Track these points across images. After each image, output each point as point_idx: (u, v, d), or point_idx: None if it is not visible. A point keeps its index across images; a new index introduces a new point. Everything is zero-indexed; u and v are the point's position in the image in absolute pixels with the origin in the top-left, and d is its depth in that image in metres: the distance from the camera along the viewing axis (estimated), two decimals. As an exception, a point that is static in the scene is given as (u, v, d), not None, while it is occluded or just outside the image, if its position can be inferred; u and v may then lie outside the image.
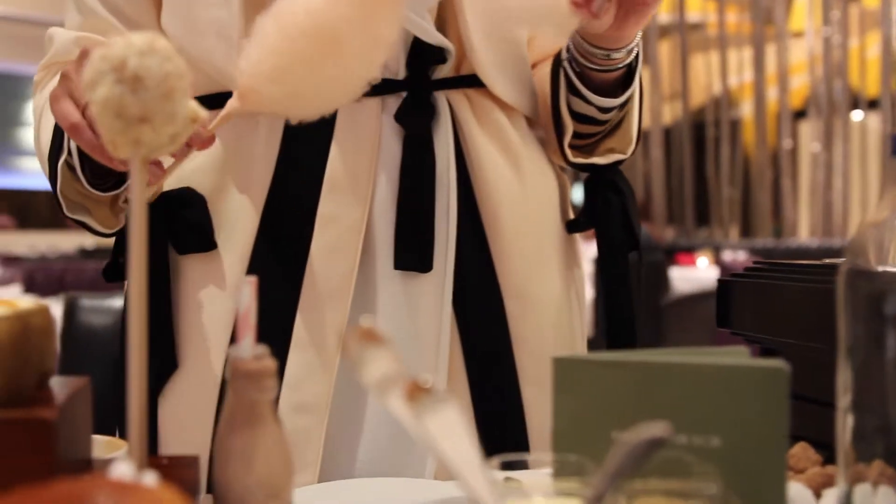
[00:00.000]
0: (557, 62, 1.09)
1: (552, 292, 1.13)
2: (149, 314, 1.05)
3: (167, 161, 0.93)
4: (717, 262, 6.82)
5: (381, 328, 1.02)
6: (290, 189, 1.04)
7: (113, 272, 1.12)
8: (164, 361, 1.05)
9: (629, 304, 1.16)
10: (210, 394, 1.03)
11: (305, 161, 1.04)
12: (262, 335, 1.01)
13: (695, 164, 9.39)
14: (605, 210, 1.16)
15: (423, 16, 1.03)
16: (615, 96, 1.09)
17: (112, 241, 1.13)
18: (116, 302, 1.84)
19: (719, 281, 1.11)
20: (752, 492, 0.62)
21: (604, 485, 0.48)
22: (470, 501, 0.48)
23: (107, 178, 1.00)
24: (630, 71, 1.09)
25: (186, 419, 1.07)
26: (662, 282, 6.25)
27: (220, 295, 1.04)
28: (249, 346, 0.61)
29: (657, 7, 1.00)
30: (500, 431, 1.07)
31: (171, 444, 1.08)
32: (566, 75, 1.08)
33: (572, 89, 1.09)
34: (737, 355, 0.68)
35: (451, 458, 0.47)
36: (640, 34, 1.05)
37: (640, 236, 1.16)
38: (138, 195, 0.60)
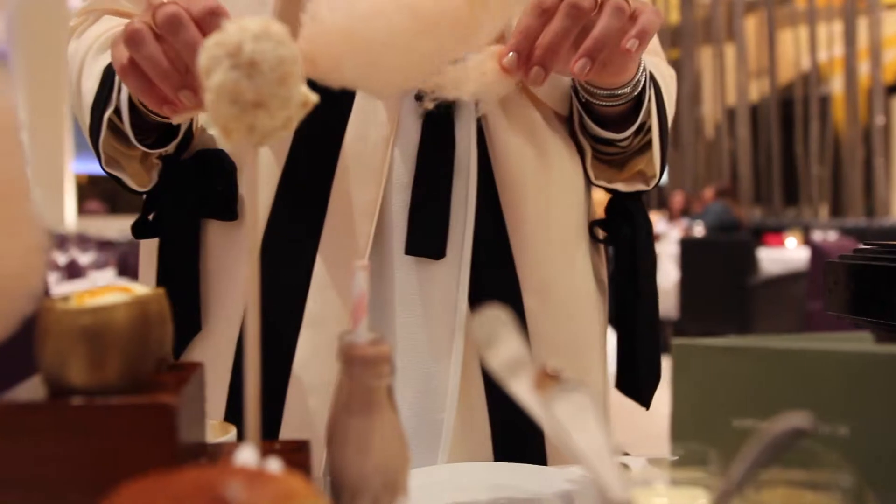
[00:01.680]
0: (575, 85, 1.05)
1: (574, 287, 1.09)
2: (176, 276, 1.06)
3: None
4: (807, 242, 6.68)
5: (400, 315, 1.02)
6: (306, 164, 1.01)
7: (142, 229, 1.09)
8: (187, 323, 1.03)
9: (631, 337, 1.12)
10: (227, 358, 1.02)
11: (323, 135, 1.01)
12: (274, 312, 1.01)
13: (783, 142, 9.20)
14: (616, 235, 1.13)
15: None
16: (627, 125, 1.04)
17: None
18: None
19: (827, 263, 1.08)
20: (882, 482, 0.60)
21: (742, 476, 0.47)
22: (597, 490, 0.47)
23: (148, 133, 0.98)
24: (639, 103, 1.03)
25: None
26: (750, 263, 6.15)
27: (239, 262, 1.03)
28: (364, 332, 0.61)
29: (640, 54, 0.94)
30: (516, 430, 1.03)
31: None
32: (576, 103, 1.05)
33: (583, 116, 1.05)
34: (861, 341, 0.66)
35: (579, 447, 0.46)
36: (642, 67, 1.00)
37: (647, 269, 1.12)
38: (252, 181, 0.60)
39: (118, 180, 1.05)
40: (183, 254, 1.04)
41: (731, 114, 9.44)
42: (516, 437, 1.03)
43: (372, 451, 0.60)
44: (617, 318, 1.14)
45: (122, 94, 0.95)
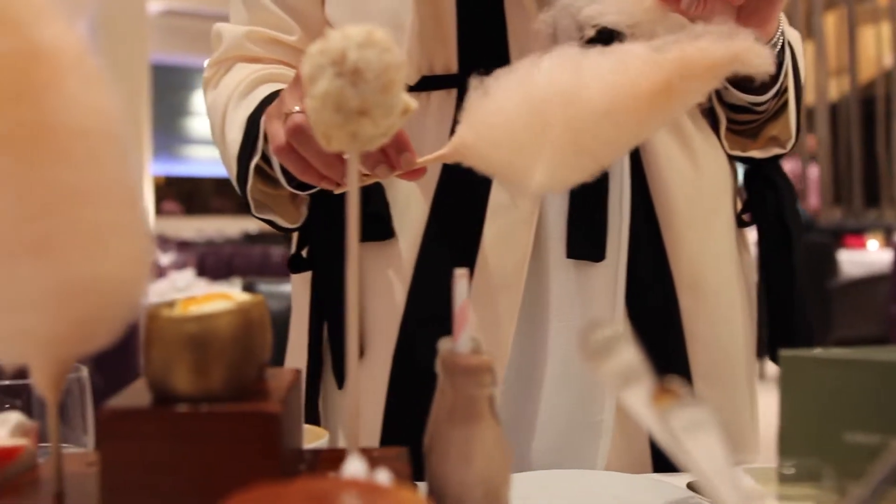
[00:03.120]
0: None
1: (726, 284, 1.09)
2: (336, 304, 1.08)
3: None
4: (890, 244, 6.52)
5: (555, 318, 1.02)
6: (461, 175, 1.01)
7: (297, 263, 1.11)
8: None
9: (790, 304, 1.11)
10: (382, 381, 1.03)
11: None
12: (431, 325, 1.02)
13: (863, 141, 9.00)
14: (761, 206, 1.11)
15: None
16: (765, 91, 1.03)
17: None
18: (290, 287, 1.89)
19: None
20: None
21: (868, 493, 0.45)
22: (713, 507, 0.46)
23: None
24: (779, 65, 1.02)
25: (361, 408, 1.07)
26: (830, 265, 6.02)
27: (395, 280, 1.04)
28: (467, 341, 0.60)
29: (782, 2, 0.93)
30: None
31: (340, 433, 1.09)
32: None
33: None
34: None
35: (698, 462, 0.45)
36: (780, 27, 0.99)
37: (797, 233, 1.10)
38: (354, 187, 0.60)
39: (270, 222, 1.06)
40: (340, 282, 1.05)
41: (810, 113, 9.27)
42: None
43: (474, 461, 0.59)
44: (769, 286, 1.12)
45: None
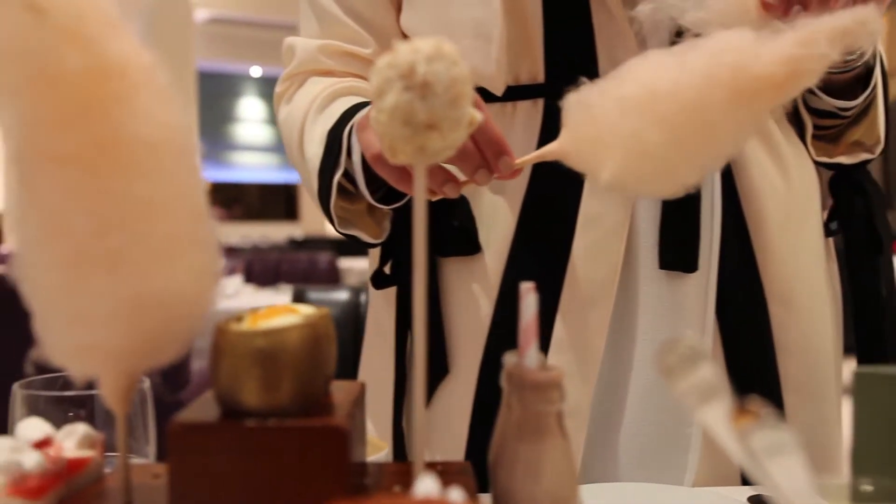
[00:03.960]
0: None
1: (816, 295, 1.07)
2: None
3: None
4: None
5: (643, 330, 1.01)
6: (550, 187, 1.01)
7: (380, 279, 1.11)
8: (437, 368, 1.04)
9: (879, 315, 1.08)
10: (468, 396, 1.02)
11: None
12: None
13: (914, 146, 8.85)
14: (848, 213, 1.09)
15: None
16: (854, 95, 1.01)
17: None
18: (340, 295, 1.90)
19: None
20: None
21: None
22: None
23: (379, 186, 0.99)
24: (869, 67, 1.01)
25: (442, 423, 1.05)
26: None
27: (481, 295, 1.03)
28: (535, 356, 0.60)
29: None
30: None
31: (427, 450, 1.08)
32: None
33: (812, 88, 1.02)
34: None
35: (779, 485, 0.44)
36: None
37: (888, 239, 1.08)
38: (421, 201, 0.60)
39: (354, 238, 1.06)
40: (427, 297, 1.05)
41: None
42: None
43: (542, 477, 0.59)
44: (857, 296, 1.10)
45: (354, 155, 0.96)
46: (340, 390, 0.65)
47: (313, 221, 9.46)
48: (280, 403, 0.57)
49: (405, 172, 0.85)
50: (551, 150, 0.82)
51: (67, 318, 0.57)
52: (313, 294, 2.08)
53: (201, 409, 0.60)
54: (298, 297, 2.04)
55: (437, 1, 1.03)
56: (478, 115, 0.62)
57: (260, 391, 0.57)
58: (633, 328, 1.02)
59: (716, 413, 0.47)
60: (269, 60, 13.13)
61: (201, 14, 11.49)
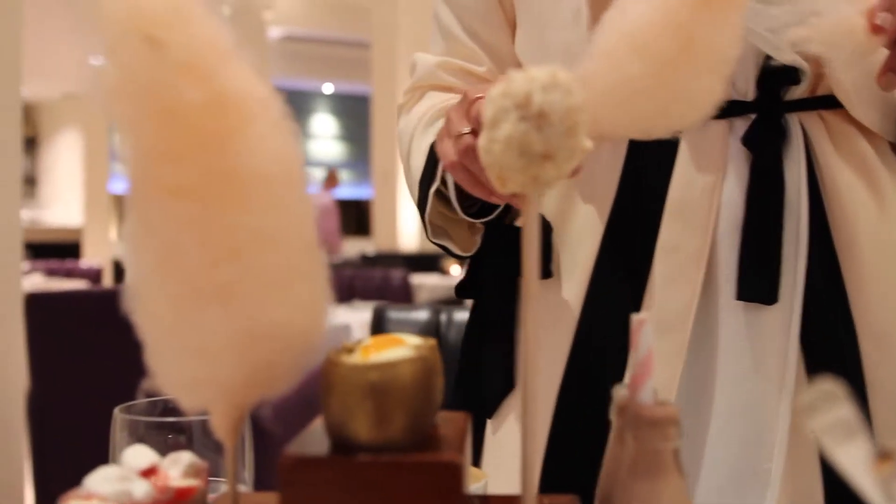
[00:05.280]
0: None
1: None
2: (495, 335, 1.08)
3: None
4: None
5: (723, 361, 0.98)
6: (631, 214, 1.00)
7: (465, 289, 1.14)
8: (504, 381, 1.06)
9: None
10: (545, 422, 1.01)
11: (647, 184, 0.99)
12: (598, 366, 1.00)
13: None
14: None
15: (776, 32, 0.95)
16: None
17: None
18: (420, 314, 1.90)
19: None
20: None
21: None
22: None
23: (473, 201, 1.00)
24: None
25: (509, 442, 1.07)
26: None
27: (560, 320, 1.02)
28: (651, 391, 0.58)
29: None
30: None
31: (491, 466, 1.07)
32: None
33: None
34: None
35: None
36: None
37: None
38: (532, 231, 0.59)
39: (445, 248, 1.10)
40: (502, 314, 1.06)
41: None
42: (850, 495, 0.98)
43: (659, 516, 0.57)
44: None
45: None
46: (447, 422, 0.64)
47: (385, 237, 9.50)
48: (391, 437, 0.57)
49: (477, 180, 0.87)
50: None
51: (180, 350, 0.57)
52: (393, 313, 2.08)
53: (311, 441, 0.59)
54: (378, 317, 2.04)
55: (536, 23, 1.06)
56: (588, 144, 0.61)
57: (371, 425, 0.56)
58: (713, 359, 0.99)
59: (854, 455, 0.45)
60: (340, 77, 13.27)
61: (274, 32, 11.65)
